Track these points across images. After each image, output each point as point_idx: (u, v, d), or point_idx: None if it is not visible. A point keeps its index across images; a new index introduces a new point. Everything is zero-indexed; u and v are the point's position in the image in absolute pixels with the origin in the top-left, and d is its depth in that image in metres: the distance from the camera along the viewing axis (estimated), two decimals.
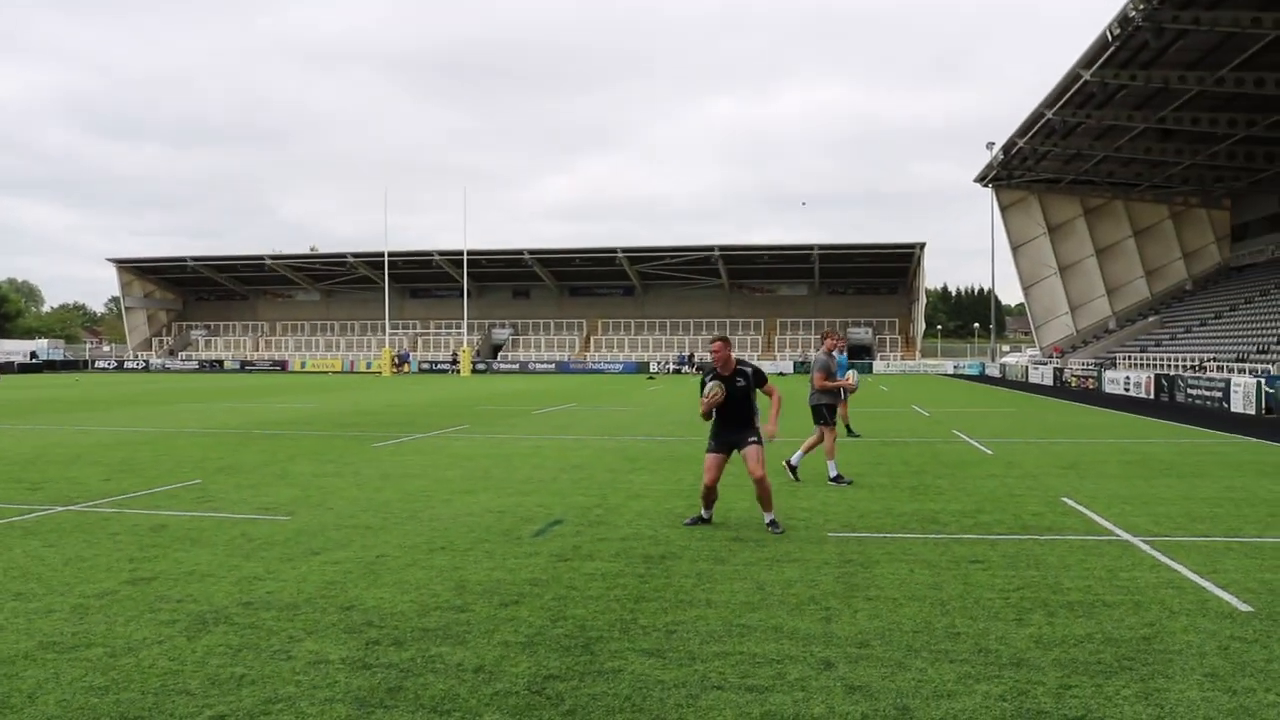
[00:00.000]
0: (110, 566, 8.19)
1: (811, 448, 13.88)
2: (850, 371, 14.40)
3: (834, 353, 14.71)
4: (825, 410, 13.87)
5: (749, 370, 9.92)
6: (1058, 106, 46.42)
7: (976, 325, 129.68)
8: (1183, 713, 4.90)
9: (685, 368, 79.54)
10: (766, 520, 10.00)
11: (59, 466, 15.11)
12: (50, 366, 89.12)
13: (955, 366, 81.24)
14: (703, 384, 9.96)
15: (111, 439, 19.75)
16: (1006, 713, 4.90)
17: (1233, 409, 29.55)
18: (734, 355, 10.04)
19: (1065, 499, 11.81)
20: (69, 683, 5.31)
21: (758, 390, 9.98)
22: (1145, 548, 8.93)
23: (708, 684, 5.32)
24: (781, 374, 73.93)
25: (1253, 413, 28.10)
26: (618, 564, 8.33)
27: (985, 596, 7.19)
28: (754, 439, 9.90)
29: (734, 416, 9.91)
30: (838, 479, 13.20)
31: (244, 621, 6.54)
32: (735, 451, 10.00)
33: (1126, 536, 9.49)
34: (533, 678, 5.41)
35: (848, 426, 20.88)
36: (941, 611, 6.79)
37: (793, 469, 13.61)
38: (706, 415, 9.98)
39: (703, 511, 10.24)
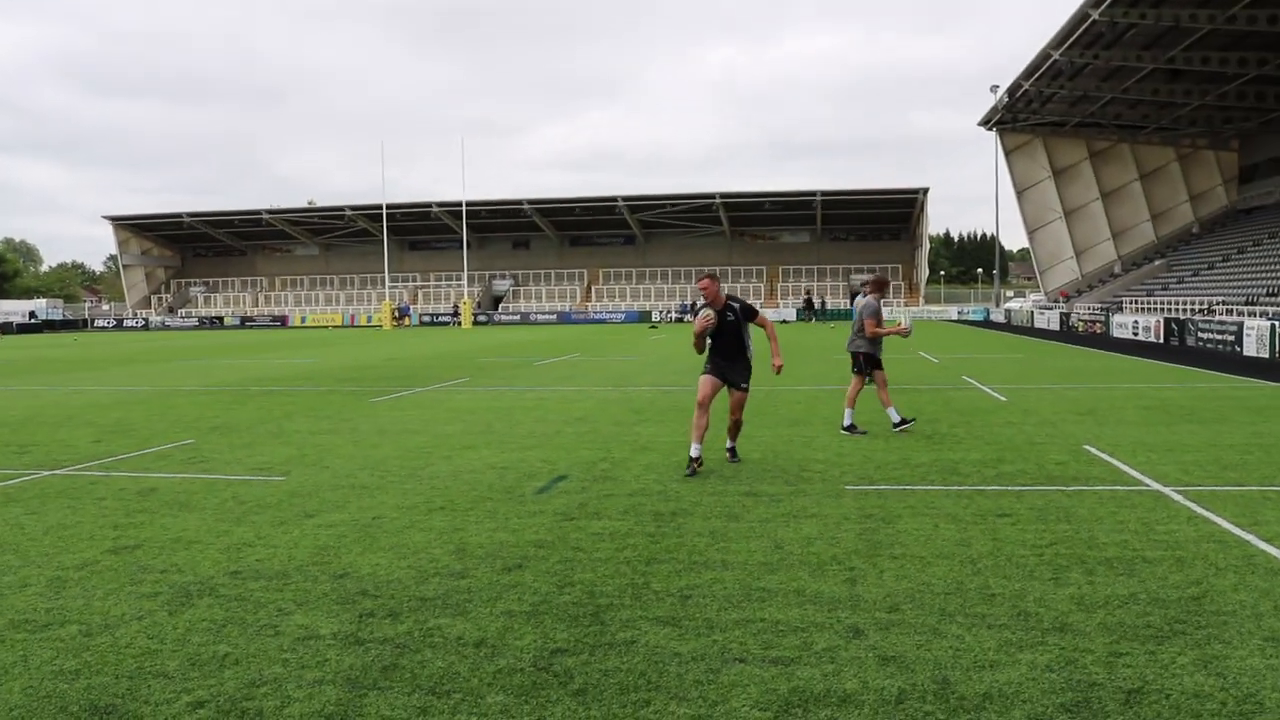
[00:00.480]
0: (93, 534, 7.79)
1: (887, 401, 13.10)
2: (903, 316, 13.56)
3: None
4: (863, 359, 13.16)
5: (737, 305, 10.30)
6: (1065, 47, 45.56)
7: (980, 270, 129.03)
8: (1248, 683, 4.49)
9: (688, 316, 78.96)
10: (728, 445, 10.87)
11: (49, 428, 14.71)
12: (49, 326, 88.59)
13: (959, 312, 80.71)
14: (695, 313, 10.32)
15: (106, 399, 19.36)
16: (1055, 685, 4.49)
17: (1245, 353, 29.09)
18: (723, 292, 10.45)
19: (1087, 447, 11.40)
20: (37, 666, 4.91)
21: (751, 324, 10.39)
22: (1178, 498, 8.52)
23: (728, 656, 4.92)
24: (784, 321, 73.34)
25: (1266, 356, 27.65)
26: (626, 522, 7.92)
27: (1017, 553, 6.78)
28: (745, 385, 10.40)
29: (728, 348, 10.32)
30: (851, 428, 12.76)
31: (230, 593, 6.14)
32: (726, 387, 10.40)
33: (1157, 486, 9.07)
34: (539, 652, 5.01)
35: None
36: (973, 570, 6.38)
37: (901, 424, 12.90)
38: (699, 344, 10.36)
39: (693, 448, 10.21)
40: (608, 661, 4.87)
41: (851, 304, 70.01)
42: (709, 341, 10.37)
